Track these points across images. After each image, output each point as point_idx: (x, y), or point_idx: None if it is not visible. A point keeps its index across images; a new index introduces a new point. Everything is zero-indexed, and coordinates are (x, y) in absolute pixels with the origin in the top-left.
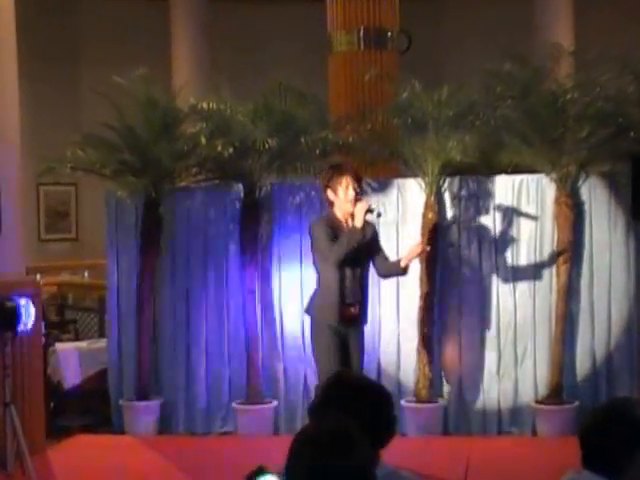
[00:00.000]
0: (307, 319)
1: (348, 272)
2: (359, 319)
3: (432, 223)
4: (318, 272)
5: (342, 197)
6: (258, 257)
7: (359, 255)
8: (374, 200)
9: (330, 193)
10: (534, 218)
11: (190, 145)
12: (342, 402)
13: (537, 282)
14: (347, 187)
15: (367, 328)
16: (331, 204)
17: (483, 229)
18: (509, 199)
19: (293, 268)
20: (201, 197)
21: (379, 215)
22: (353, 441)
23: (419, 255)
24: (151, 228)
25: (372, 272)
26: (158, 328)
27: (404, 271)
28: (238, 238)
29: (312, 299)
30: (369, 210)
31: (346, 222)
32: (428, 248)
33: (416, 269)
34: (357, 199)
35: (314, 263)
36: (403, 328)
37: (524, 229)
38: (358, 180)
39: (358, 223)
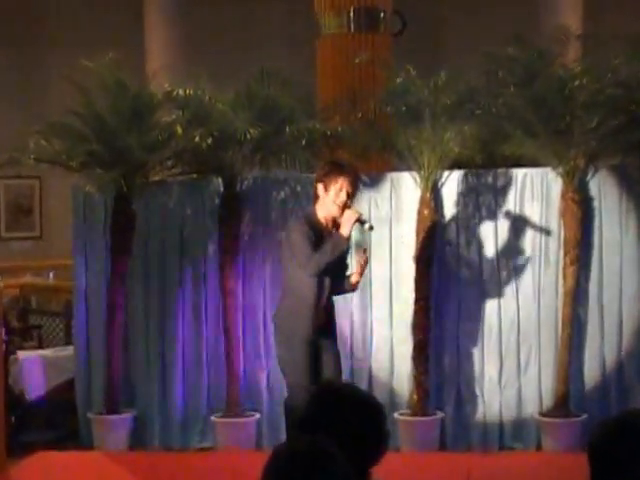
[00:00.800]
0: (272, 327)
1: (326, 280)
2: (332, 323)
3: (428, 221)
4: (289, 277)
5: (331, 197)
6: (239, 257)
7: (339, 264)
8: (365, 196)
9: (320, 188)
10: (539, 215)
11: (165, 135)
12: (328, 415)
13: (542, 284)
14: (341, 189)
15: (357, 333)
16: (316, 198)
17: (483, 227)
18: (512, 195)
19: (277, 268)
20: (177, 192)
21: (371, 228)
22: (331, 458)
23: (365, 265)
24: (122, 225)
25: None
26: (130, 334)
27: (354, 288)
28: (217, 236)
29: (282, 309)
30: (359, 221)
31: (327, 224)
32: (365, 255)
33: (411, 270)
34: (347, 205)
35: (285, 266)
36: (396, 334)
37: (528, 227)
38: (355, 186)
39: (345, 232)
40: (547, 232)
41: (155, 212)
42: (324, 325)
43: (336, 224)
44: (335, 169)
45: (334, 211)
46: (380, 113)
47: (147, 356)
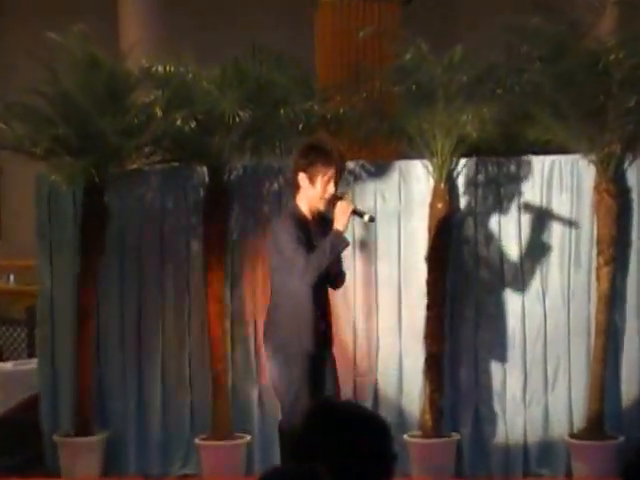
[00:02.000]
0: (265, 342)
1: (322, 284)
2: (330, 334)
3: (442, 215)
4: (281, 285)
5: (319, 191)
6: (227, 258)
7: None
8: (370, 188)
9: (303, 178)
10: (568, 209)
11: (142, 118)
12: (326, 437)
13: (572, 287)
14: (329, 180)
15: (361, 344)
16: (297, 190)
17: (505, 223)
18: (537, 186)
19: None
20: (156, 182)
21: (371, 220)
22: None
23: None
24: (94, 221)
25: None
26: (103, 345)
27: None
28: (202, 234)
29: (274, 321)
30: (356, 213)
31: (312, 216)
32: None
33: (422, 272)
34: (336, 197)
35: (274, 273)
36: (406, 344)
37: (556, 223)
38: (342, 172)
39: (341, 227)
40: (578, 228)
41: (131, 206)
42: (323, 335)
43: (321, 213)
44: (320, 157)
45: (321, 205)
46: (387, 93)
47: (122, 370)
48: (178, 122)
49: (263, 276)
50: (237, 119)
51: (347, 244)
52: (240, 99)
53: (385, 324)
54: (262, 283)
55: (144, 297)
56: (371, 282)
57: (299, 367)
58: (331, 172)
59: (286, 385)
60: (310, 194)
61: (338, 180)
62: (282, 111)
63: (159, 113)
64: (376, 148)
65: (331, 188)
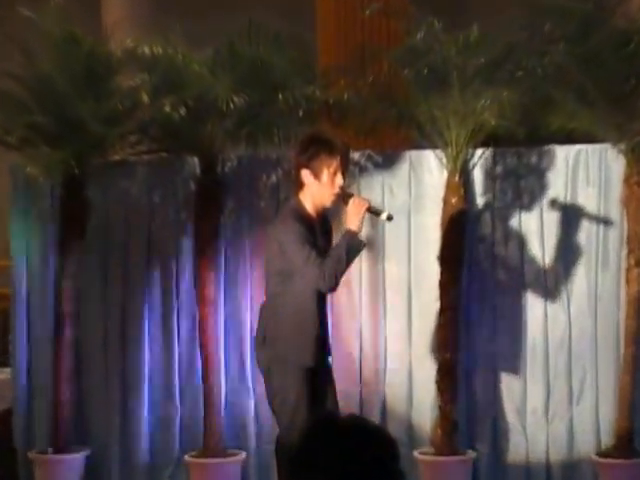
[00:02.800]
0: (265, 353)
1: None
2: (328, 344)
3: (456, 211)
4: (281, 290)
5: (326, 185)
6: (221, 257)
7: None
8: (377, 181)
9: (307, 175)
10: (595, 204)
11: (127, 104)
12: (327, 453)
13: (599, 291)
14: (336, 172)
15: (367, 352)
16: (300, 187)
17: (526, 219)
18: (561, 178)
19: None
20: (142, 175)
21: (389, 219)
22: None
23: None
24: (74, 217)
25: None
26: (84, 353)
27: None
28: (193, 231)
29: (271, 331)
30: (372, 211)
31: (317, 215)
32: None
33: (434, 273)
34: (348, 193)
35: (271, 279)
36: (417, 352)
37: (582, 219)
38: (348, 163)
39: (356, 227)
40: (606, 225)
41: (115, 200)
42: (324, 344)
43: (323, 213)
44: (322, 148)
45: (328, 200)
46: (396, 77)
47: (105, 380)
48: (166, 108)
49: (258, 277)
50: (231, 105)
51: (364, 245)
52: (234, 83)
53: (393, 330)
54: (259, 285)
55: (129, 301)
56: (378, 284)
57: (299, 378)
58: (336, 163)
59: (284, 398)
60: (316, 190)
61: (345, 171)
62: (280, 96)
63: (145, 98)
64: (384, 137)
65: (339, 180)
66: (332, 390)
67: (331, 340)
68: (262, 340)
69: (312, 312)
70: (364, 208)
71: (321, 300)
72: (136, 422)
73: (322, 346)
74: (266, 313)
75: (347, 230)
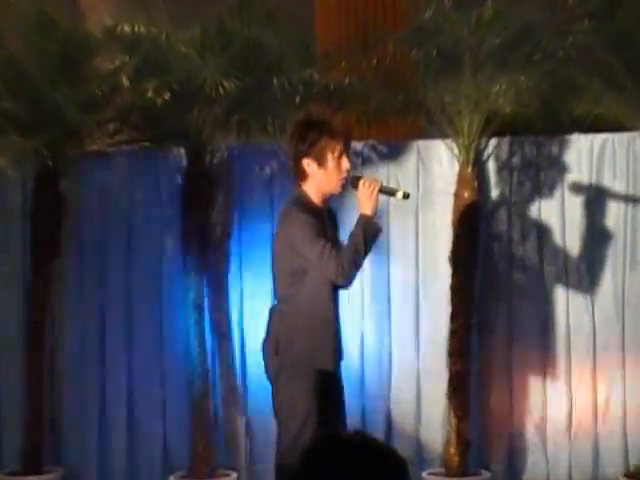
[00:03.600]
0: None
1: (336, 288)
2: (342, 348)
3: (469, 206)
4: (294, 290)
5: (332, 171)
6: (209, 258)
7: None
8: (382, 173)
9: (309, 164)
10: (623, 198)
11: (106, 89)
12: (328, 474)
13: (627, 294)
14: (341, 155)
15: (371, 363)
16: (303, 179)
17: (546, 215)
18: (585, 170)
19: (262, 274)
20: (123, 167)
21: (406, 197)
22: None
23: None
24: (47, 213)
25: None
26: (58, 364)
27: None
28: (179, 229)
29: (283, 335)
30: (385, 192)
31: (323, 206)
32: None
33: (445, 275)
34: (355, 177)
35: (285, 276)
36: (425, 363)
37: (609, 215)
38: (350, 142)
39: (370, 211)
40: (634, 221)
41: (93, 195)
42: (339, 349)
43: (327, 204)
44: (322, 131)
45: (337, 187)
46: (402, 60)
47: (82, 394)
48: (149, 94)
49: (252, 280)
50: (221, 90)
51: (380, 230)
52: (224, 66)
53: (400, 338)
54: (251, 289)
55: (108, 307)
56: (383, 287)
57: (310, 389)
58: (340, 144)
59: (292, 410)
60: (321, 178)
61: (349, 152)
62: (275, 80)
63: (126, 82)
64: (389, 125)
65: (346, 164)
66: (342, 402)
67: None
68: (273, 346)
69: (328, 312)
70: (376, 189)
71: (336, 299)
72: (115, 440)
73: (338, 350)
74: (277, 317)
75: (361, 215)
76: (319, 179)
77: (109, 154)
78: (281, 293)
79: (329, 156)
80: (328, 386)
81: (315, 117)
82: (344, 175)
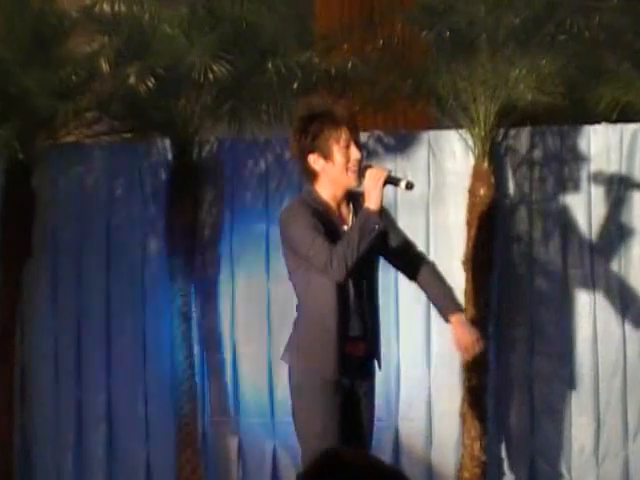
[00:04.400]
0: (285, 369)
1: (351, 288)
2: (370, 363)
3: (485, 203)
4: (300, 291)
5: (340, 164)
6: (197, 261)
7: (367, 257)
8: (389, 166)
9: (316, 160)
10: None
11: (83, 74)
12: None
13: None
14: (347, 145)
15: (378, 376)
16: (314, 177)
17: (570, 212)
18: (614, 162)
19: (255, 279)
20: (102, 160)
21: (410, 187)
22: None
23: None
24: (18, 211)
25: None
26: (28, 376)
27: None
28: (164, 229)
29: (293, 338)
30: (390, 180)
31: (338, 206)
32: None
33: (458, 278)
34: (364, 167)
35: (292, 279)
36: (437, 377)
37: (639, 213)
38: (359, 130)
39: (374, 202)
40: None
41: (68, 191)
42: (364, 361)
43: (351, 196)
44: (324, 121)
45: (351, 180)
46: (411, 41)
47: (56, 409)
48: (131, 79)
49: (244, 286)
50: (210, 75)
51: (379, 227)
52: (214, 48)
53: (409, 350)
54: (243, 295)
55: (85, 314)
56: (390, 293)
57: (318, 401)
58: (345, 133)
59: (303, 425)
60: (332, 173)
61: (358, 139)
62: (270, 65)
63: (105, 67)
64: (396, 114)
65: (355, 153)
66: (370, 416)
67: None
68: (285, 354)
69: (331, 315)
70: (381, 180)
71: (342, 295)
72: (94, 461)
73: (356, 360)
74: (293, 326)
75: (363, 208)
76: (330, 175)
77: (86, 146)
78: (297, 300)
79: (335, 147)
80: (344, 393)
81: (314, 107)
82: (354, 166)
